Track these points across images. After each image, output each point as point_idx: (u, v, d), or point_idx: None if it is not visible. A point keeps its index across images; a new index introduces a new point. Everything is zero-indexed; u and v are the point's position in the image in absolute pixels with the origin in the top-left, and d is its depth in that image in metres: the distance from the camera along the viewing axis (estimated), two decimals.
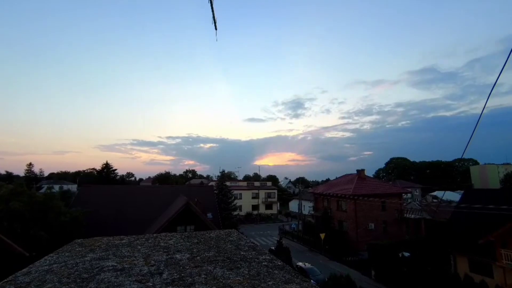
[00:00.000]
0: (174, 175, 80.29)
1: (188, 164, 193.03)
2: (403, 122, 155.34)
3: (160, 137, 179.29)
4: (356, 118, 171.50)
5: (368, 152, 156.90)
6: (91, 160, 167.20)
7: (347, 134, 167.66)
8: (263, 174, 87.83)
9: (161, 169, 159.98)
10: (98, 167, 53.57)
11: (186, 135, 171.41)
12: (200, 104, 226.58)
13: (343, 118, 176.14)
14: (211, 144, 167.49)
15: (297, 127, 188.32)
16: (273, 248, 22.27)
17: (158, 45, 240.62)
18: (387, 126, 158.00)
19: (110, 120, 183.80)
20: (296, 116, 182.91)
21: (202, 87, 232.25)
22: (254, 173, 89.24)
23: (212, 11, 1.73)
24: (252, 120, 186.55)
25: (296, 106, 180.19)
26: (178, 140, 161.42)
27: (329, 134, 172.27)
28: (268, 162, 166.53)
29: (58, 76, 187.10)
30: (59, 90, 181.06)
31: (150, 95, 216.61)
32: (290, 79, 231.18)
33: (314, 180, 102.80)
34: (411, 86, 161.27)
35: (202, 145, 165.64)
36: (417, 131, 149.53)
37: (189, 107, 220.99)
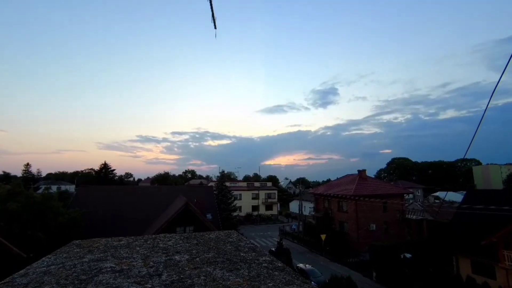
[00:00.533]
0: (173, 175, 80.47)
1: (194, 163, 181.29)
2: (447, 115, 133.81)
3: (165, 133, 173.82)
4: (394, 107, 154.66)
5: (387, 150, 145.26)
6: (91, 159, 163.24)
7: (374, 130, 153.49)
8: (277, 175, 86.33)
9: (165, 169, 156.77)
10: (97, 168, 53.87)
11: (195, 130, 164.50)
12: (212, 97, 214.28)
13: (378, 106, 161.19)
14: (220, 142, 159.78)
15: (320, 119, 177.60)
16: (273, 249, 22.18)
17: (164, 35, 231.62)
18: (425, 118, 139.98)
19: (112, 118, 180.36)
20: (324, 105, 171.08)
21: (216, 77, 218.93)
22: (254, 173, 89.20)
23: (212, 9, 1.73)
24: (272, 111, 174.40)
25: (328, 91, 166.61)
26: (185, 137, 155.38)
27: (354, 129, 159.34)
28: (280, 161, 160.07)
29: (57, 72, 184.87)
30: (58, 88, 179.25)
31: (155, 90, 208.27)
32: (328, 59, 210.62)
33: (314, 180, 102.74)
34: (488, 61, 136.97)
35: (210, 142, 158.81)
36: (463, 123, 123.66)
37: (200, 101, 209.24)
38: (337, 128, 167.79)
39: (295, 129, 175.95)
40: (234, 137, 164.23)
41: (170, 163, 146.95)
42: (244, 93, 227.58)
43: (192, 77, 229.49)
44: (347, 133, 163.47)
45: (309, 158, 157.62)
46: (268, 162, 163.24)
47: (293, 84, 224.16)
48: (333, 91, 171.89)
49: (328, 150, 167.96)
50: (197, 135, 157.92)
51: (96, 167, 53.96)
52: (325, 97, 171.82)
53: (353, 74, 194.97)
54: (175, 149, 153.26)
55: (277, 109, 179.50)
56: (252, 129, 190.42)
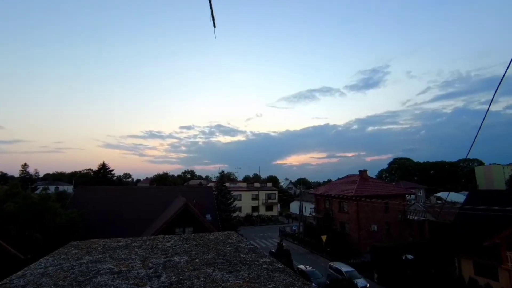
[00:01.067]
0: (172, 175, 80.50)
1: (202, 162, 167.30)
2: (507, 102, 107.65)
3: (172, 128, 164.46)
4: (450, 89, 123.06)
5: (409, 146, 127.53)
6: (91, 158, 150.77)
7: (410, 123, 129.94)
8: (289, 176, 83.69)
9: (170, 168, 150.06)
10: (95, 168, 53.76)
11: (206, 124, 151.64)
12: (228, 86, 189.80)
13: (428, 90, 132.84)
14: (233, 138, 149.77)
15: (353, 110, 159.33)
16: (273, 250, 22.11)
17: (174, 22, 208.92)
18: (477, 107, 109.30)
19: (114, 115, 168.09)
20: (366, 88, 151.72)
21: (233, 61, 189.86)
22: (254, 173, 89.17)
23: (211, 7, 1.73)
24: (302, 97, 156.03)
25: (377, 70, 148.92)
26: (194, 132, 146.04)
27: (388, 121, 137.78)
28: (293, 161, 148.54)
29: (56, 68, 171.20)
30: (57, 83, 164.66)
31: (160, 84, 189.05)
32: (382, 30, 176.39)
33: (315, 181, 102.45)
34: None
35: (221, 138, 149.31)
36: None
37: (213, 92, 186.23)
38: (368, 121, 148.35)
39: (322, 122, 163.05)
40: (251, 132, 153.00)
41: (175, 162, 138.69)
42: (268, 78, 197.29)
43: (203, 65, 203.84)
44: (377, 127, 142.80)
45: (326, 157, 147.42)
46: (280, 162, 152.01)
47: (332, 65, 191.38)
48: (383, 69, 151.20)
49: (346, 148, 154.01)
50: (206, 131, 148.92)
51: (95, 166, 53.92)
52: (371, 78, 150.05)
53: (412, 45, 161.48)
54: (182, 147, 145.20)
55: (308, 94, 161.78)
56: (272, 123, 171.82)
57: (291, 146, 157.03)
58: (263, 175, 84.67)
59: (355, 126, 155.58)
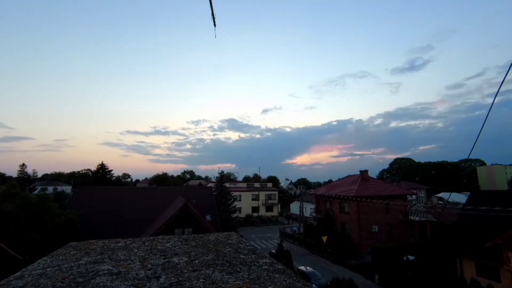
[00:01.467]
0: (172, 176, 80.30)
1: (210, 161, 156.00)
2: None
3: (178, 125, 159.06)
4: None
5: (427, 146, 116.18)
6: (91, 157, 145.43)
7: (444, 117, 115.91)
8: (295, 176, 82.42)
9: (174, 168, 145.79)
10: (94, 168, 53.70)
11: (218, 119, 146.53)
12: (249, 77, 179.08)
13: (485, 71, 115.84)
14: (245, 135, 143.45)
15: (386, 97, 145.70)
16: (273, 251, 22.09)
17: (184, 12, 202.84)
18: None
19: (114, 113, 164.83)
20: (411, 69, 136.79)
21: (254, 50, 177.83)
22: (254, 174, 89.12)
23: (211, 6, 1.72)
24: (332, 83, 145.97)
25: (429, 46, 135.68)
26: (202, 128, 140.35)
27: (421, 115, 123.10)
28: (304, 160, 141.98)
29: (55, 64, 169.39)
30: (56, 80, 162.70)
31: (168, 77, 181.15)
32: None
33: (316, 181, 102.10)
34: None
35: (231, 134, 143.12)
36: None
37: (229, 85, 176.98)
38: (396, 114, 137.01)
39: (347, 116, 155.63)
40: (266, 127, 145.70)
41: (179, 161, 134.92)
42: (294, 66, 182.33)
43: (218, 55, 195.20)
44: (404, 123, 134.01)
45: (338, 155, 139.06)
46: (289, 161, 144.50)
47: (376, 45, 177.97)
48: (439, 43, 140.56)
49: (363, 146, 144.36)
50: (215, 126, 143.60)
51: (94, 166, 53.86)
52: (420, 57, 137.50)
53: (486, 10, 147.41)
54: (187, 145, 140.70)
55: (339, 81, 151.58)
56: (291, 117, 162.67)
57: (305, 143, 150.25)
58: (268, 175, 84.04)
59: (378, 121, 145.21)
